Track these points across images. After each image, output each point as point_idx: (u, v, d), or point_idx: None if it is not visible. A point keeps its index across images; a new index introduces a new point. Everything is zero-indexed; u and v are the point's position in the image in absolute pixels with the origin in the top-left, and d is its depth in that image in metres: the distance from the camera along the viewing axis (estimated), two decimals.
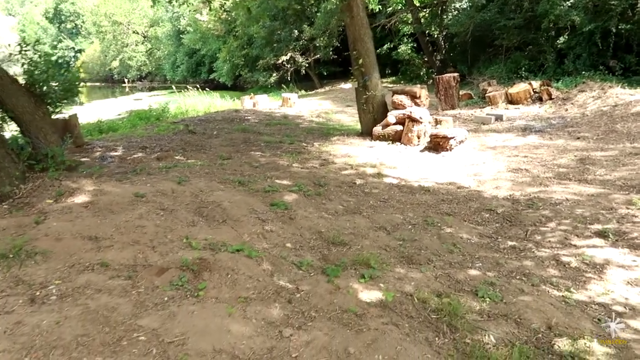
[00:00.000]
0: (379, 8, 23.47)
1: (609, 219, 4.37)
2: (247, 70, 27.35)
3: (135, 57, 46.58)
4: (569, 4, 15.62)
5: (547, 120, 10.34)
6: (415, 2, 22.19)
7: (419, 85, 8.90)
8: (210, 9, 23.55)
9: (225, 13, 25.76)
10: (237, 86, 29.49)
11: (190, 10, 27.16)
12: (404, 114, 8.27)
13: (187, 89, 20.91)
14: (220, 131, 9.41)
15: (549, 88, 12.16)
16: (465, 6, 19.43)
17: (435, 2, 21.50)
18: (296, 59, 25.52)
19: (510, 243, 4.02)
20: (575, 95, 11.65)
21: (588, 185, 5.45)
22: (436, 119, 8.56)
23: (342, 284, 3.11)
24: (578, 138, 8.38)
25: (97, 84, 53.58)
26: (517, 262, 3.61)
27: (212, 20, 26.32)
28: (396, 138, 8.41)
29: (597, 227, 4.22)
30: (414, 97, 8.54)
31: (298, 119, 12.23)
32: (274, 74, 25.75)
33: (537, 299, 3.01)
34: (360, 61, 8.95)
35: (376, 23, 22.45)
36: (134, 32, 46.02)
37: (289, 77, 25.96)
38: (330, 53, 26.60)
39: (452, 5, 20.18)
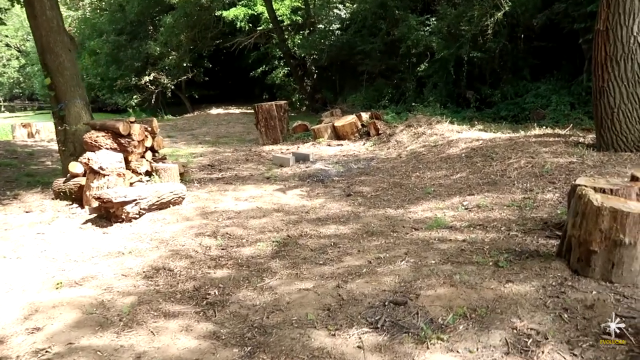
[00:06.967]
0: (249, 26, 21.11)
1: None
2: (105, 91, 23.76)
3: (6, 73, 41.34)
4: (429, 30, 13.93)
5: (349, 164, 8.01)
6: (283, 21, 20.01)
7: (127, 118, 6.03)
8: None
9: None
10: (100, 109, 25.57)
11: None
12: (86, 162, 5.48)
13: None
14: None
15: (376, 122, 9.98)
16: (330, 28, 17.39)
17: (300, 22, 19.41)
18: (161, 80, 22.54)
19: None
20: (401, 130, 9.52)
21: (204, 325, 2.84)
22: (147, 169, 5.84)
23: None
24: (349, 195, 5.98)
25: None
26: None
27: None
28: (80, 196, 5.58)
29: None
30: (117, 134, 5.75)
31: (50, 154, 9.13)
32: (135, 96, 22.48)
33: None
34: (48, 80, 6.10)
35: (232, 41, 20.00)
36: (6, 45, 40.76)
37: (153, 100, 22.88)
38: (202, 75, 23.85)
39: (317, 27, 18.10)
